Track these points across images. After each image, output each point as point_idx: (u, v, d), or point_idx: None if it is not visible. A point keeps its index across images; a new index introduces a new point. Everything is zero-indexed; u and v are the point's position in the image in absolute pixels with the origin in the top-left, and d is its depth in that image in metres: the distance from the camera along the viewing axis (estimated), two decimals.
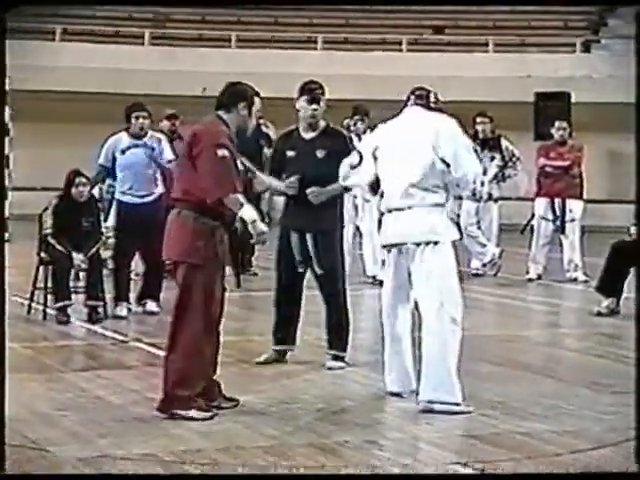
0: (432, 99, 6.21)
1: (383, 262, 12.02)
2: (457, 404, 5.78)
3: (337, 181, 6.76)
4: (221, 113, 5.87)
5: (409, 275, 6.03)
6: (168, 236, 5.85)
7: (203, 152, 5.67)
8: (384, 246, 6.18)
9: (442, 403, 5.77)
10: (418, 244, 5.95)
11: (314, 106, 6.92)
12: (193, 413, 5.65)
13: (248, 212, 5.65)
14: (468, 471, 4.89)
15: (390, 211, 6.08)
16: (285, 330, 7.13)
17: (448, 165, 5.96)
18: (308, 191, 6.81)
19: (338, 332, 7.03)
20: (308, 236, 6.94)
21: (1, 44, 4.51)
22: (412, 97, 6.22)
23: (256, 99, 5.94)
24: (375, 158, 6.15)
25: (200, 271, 5.69)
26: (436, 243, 5.93)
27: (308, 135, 7.01)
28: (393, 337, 6.18)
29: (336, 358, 7.00)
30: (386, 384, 6.23)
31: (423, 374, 5.86)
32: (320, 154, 6.94)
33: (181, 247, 5.74)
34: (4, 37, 4.50)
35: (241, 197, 5.64)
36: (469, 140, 6.21)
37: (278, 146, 7.24)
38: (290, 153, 7.01)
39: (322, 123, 7.03)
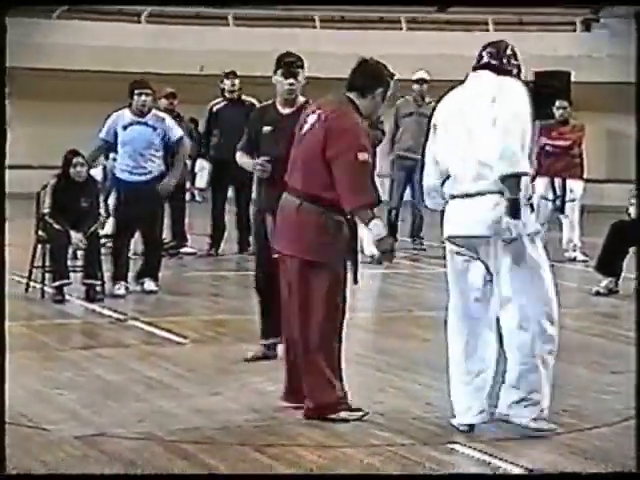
0: (507, 54, 5.16)
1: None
2: (534, 420, 5.06)
3: None
4: (353, 96, 5.32)
5: (484, 274, 5.11)
6: (287, 230, 5.35)
7: (342, 155, 5.15)
8: (446, 238, 5.20)
9: (518, 417, 5.07)
10: (487, 237, 5.02)
11: (291, 80, 6.33)
12: (344, 415, 5.28)
13: (377, 227, 5.10)
14: (465, 450, 4.88)
15: (455, 197, 5.13)
16: (271, 321, 6.47)
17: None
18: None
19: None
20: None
21: (1, 43, 4.47)
22: (483, 55, 5.22)
23: (391, 82, 5.41)
24: (435, 137, 5.24)
25: (325, 269, 5.24)
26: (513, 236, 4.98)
27: (285, 111, 6.47)
28: (459, 357, 5.15)
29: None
30: (455, 417, 5.22)
31: (504, 385, 5.10)
32: None
33: (306, 244, 5.25)
34: (4, 36, 4.47)
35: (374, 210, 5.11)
36: (528, 121, 5.05)
37: (253, 121, 6.64)
38: (266, 129, 6.50)
39: (301, 99, 6.42)
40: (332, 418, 5.25)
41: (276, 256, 5.50)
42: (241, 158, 6.60)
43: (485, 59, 5.21)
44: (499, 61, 5.19)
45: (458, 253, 5.17)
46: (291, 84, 6.35)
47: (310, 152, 5.30)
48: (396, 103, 12.52)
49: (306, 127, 5.39)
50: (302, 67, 6.41)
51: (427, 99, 12.52)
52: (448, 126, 5.16)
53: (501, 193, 4.96)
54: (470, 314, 5.15)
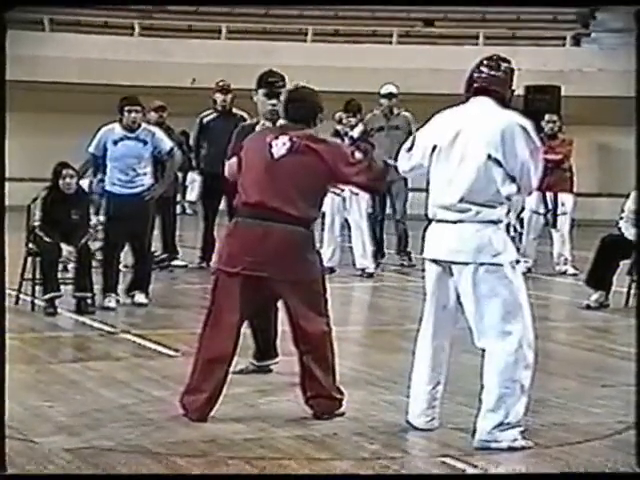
0: (510, 81, 5.18)
1: (375, 255, 12.25)
2: (514, 440, 5.09)
3: None
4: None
5: (458, 297, 5.21)
6: (287, 256, 5.51)
7: (347, 162, 5.58)
8: (427, 258, 5.32)
9: (498, 441, 5.07)
10: (467, 264, 5.09)
11: (273, 101, 6.26)
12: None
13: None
14: (456, 464, 4.88)
15: (437, 221, 5.20)
16: (264, 342, 6.54)
17: (512, 178, 5.09)
18: None
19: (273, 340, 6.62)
20: None
21: (1, 44, 4.49)
22: (486, 77, 5.19)
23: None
24: (431, 157, 5.23)
25: (323, 286, 5.69)
26: (491, 264, 5.05)
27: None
28: (425, 363, 5.33)
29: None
30: (410, 414, 5.42)
31: (481, 411, 5.14)
32: None
33: (312, 266, 5.60)
34: (4, 37, 4.49)
35: None
36: (538, 143, 5.24)
37: (238, 139, 6.25)
38: None
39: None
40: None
41: (245, 273, 5.54)
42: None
43: (487, 83, 5.18)
44: (502, 88, 5.20)
45: (434, 261, 5.26)
46: (274, 105, 6.28)
47: (300, 176, 5.51)
48: (365, 118, 12.48)
49: (279, 152, 5.55)
50: (284, 86, 6.33)
51: (395, 111, 12.53)
52: (445, 152, 5.16)
53: (482, 222, 5.04)
54: (439, 323, 5.28)
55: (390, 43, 21.37)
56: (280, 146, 5.55)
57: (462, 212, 5.07)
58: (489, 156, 5.04)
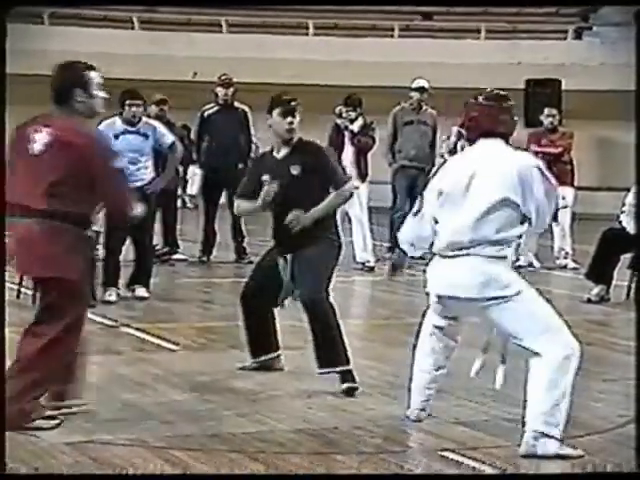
0: (513, 118, 5.22)
1: (389, 251, 12.15)
2: (558, 438, 4.95)
3: (315, 199, 6.15)
4: (66, 108, 5.59)
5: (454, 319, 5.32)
6: (30, 251, 5.26)
7: (108, 170, 5.41)
8: (432, 294, 5.29)
9: (545, 435, 4.92)
10: (476, 300, 5.05)
11: (290, 119, 6.21)
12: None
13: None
14: (457, 458, 4.88)
15: (442, 257, 5.17)
16: (255, 340, 6.52)
17: (528, 219, 5.09)
18: (287, 219, 6.14)
19: (329, 346, 6.26)
20: (289, 257, 6.28)
21: (1, 44, 4.49)
22: (498, 117, 5.17)
23: (90, 74, 5.79)
24: (438, 200, 5.19)
25: (78, 287, 5.33)
26: (501, 297, 5.01)
27: (281, 153, 6.30)
28: (427, 358, 5.42)
29: (345, 376, 6.20)
30: (410, 409, 5.47)
31: (529, 403, 5.03)
32: (295, 171, 6.21)
33: (66, 262, 5.25)
34: (4, 38, 4.48)
35: None
36: (553, 180, 5.26)
37: (252, 170, 6.58)
38: (265, 177, 6.27)
39: (295, 137, 6.29)
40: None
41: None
42: (241, 204, 6.51)
43: (495, 126, 5.15)
44: (507, 129, 5.18)
45: (440, 297, 5.24)
46: (291, 123, 6.22)
47: (61, 171, 5.24)
48: (393, 110, 12.50)
49: (39, 147, 5.34)
50: (298, 105, 6.30)
51: (424, 106, 12.55)
52: (451, 197, 5.12)
53: (489, 257, 5.01)
54: (442, 331, 5.36)
55: (391, 37, 21.35)
56: (39, 141, 5.38)
57: (470, 248, 5.03)
58: (506, 199, 4.99)
